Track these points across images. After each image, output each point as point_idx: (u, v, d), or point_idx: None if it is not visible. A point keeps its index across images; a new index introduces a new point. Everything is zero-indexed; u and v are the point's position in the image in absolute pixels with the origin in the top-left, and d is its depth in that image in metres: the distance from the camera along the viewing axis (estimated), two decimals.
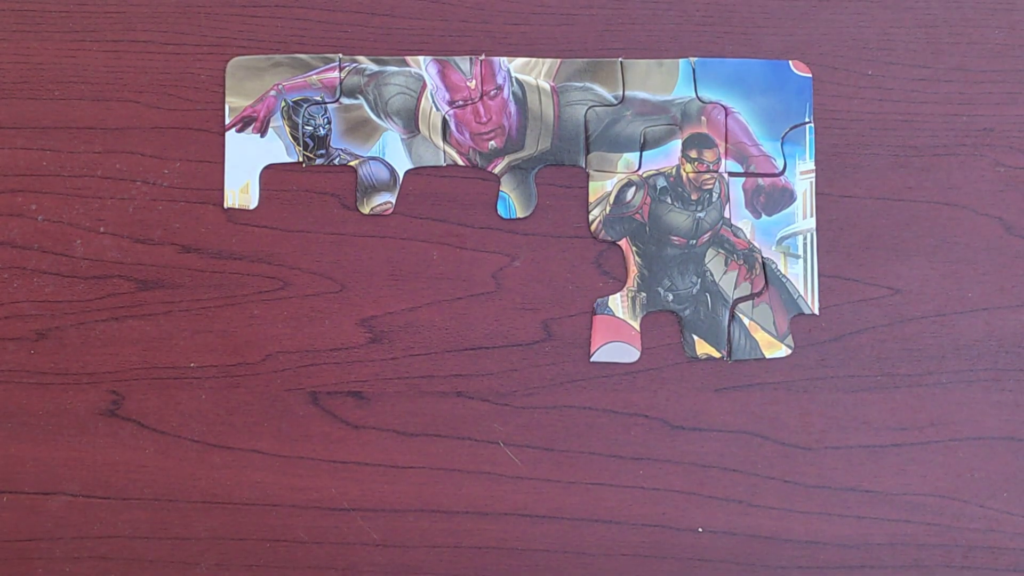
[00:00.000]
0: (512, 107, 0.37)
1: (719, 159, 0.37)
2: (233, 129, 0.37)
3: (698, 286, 0.37)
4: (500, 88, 0.37)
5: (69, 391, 0.37)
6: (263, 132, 0.37)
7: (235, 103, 0.37)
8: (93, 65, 0.38)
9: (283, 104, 0.37)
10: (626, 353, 0.37)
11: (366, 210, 0.37)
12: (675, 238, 0.37)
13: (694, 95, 0.37)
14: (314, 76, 0.37)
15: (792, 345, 0.37)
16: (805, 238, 0.37)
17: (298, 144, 0.37)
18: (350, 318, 0.37)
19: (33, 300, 0.37)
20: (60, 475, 0.37)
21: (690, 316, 0.37)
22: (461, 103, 0.37)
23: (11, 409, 0.37)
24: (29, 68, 0.37)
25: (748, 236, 0.37)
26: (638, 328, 0.37)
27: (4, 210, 0.37)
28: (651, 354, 0.37)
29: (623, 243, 0.37)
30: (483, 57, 0.37)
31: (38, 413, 0.37)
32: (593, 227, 0.37)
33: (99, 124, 0.37)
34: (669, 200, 0.37)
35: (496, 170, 0.37)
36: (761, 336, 0.37)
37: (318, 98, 0.37)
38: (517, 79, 0.37)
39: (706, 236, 0.37)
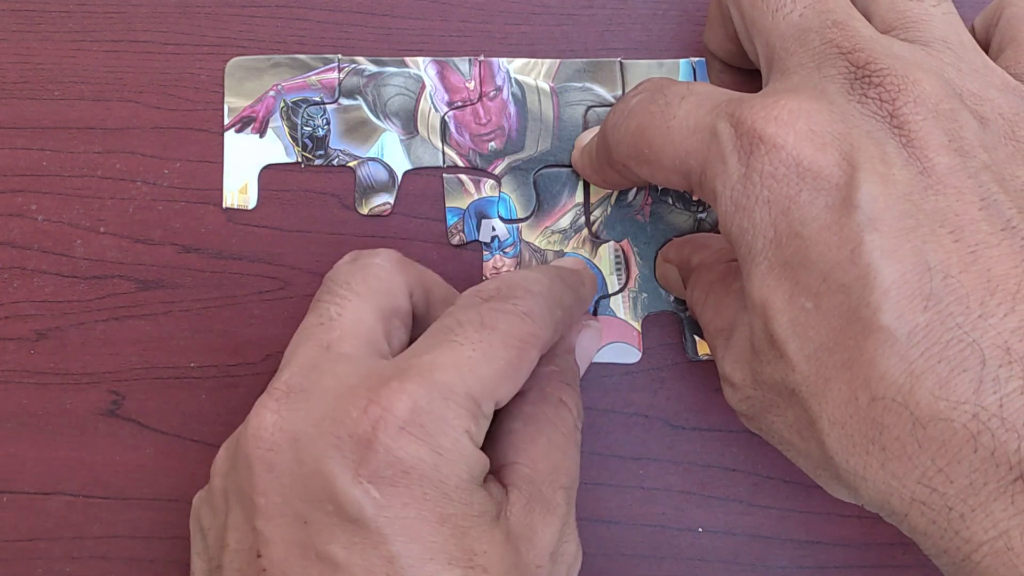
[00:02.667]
0: (512, 108, 0.37)
1: None
2: (232, 129, 0.37)
3: None
4: (499, 89, 0.37)
5: (69, 391, 0.37)
6: (262, 132, 0.37)
7: (234, 103, 0.37)
8: (93, 65, 0.38)
9: (282, 104, 0.37)
10: (628, 354, 0.37)
11: (365, 211, 0.37)
12: (678, 238, 0.37)
13: None
14: (313, 77, 0.37)
15: None
16: None
17: (297, 144, 0.37)
18: None
19: (33, 300, 0.37)
20: (60, 475, 0.37)
21: (691, 317, 0.37)
22: (460, 104, 0.37)
23: (11, 409, 0.37)
24: (29, 68, 0.38)
25: None
26: (639, 329, 0.37)
27: (4, 210, 0.37)
28: (651, 354, 0.37)
29: (624, 243, 0.37)
30: (482, 58, 0.37)
31: (38, 413, 0.37)
32: (594, 227, 0.37)
33: (99, 124, 0.37)
34: (670, 200, 0.37)
35: (496, 171, 0.37)
36: None
37: (317, 99, 0.37)
38: (516, 80, 0.37)
39: None
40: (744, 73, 0.33)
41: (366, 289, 0.29)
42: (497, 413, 0.30)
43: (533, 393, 0.31)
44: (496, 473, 0.29)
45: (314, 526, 0.25)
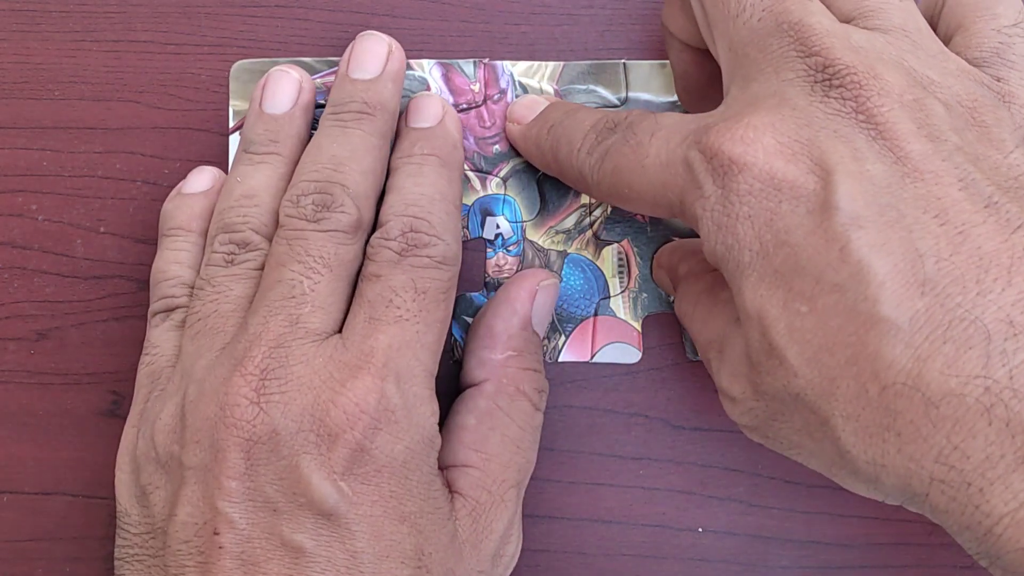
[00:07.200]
0: None
1: None
2: (237, 132, 0.37)
3: None
4: (503, 92, 0.37)
5: (69, 391, 0.37)
6: None
7: (239, 106, 0.37)
8: (93, 65, 0.37)
9: None
10: (628, 354, 0.37)
11: None
12: (676, 239, 0.37)
13: None
14: (317, 80, 0.37)
15: None
16: None
17: None
18: None
19: (33, 300, 0.37)
20: (60, 475, 0.37)
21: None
22: (465, 106, 0.37)
23: (11, 409, 0.37)
24: (29, 68, 0.37)
25: None
26: (639, 329, 0.37)
27: (4, 210, 0.37)
28: (652, 354, 0.37)
29: (624, 244, 0.37)
30: (486, 61, 0.37)
31: (38, 413, 0.37)
32: (595, 228, 0.37)
33: (99, 124, 0.37)
34: None
35: (501, 175, 0.37)
36: None
37: (322, 101, 0.37)
38: (520, 83, 0.37)
39: None
40: (704, 53, 0.33)
41: (338, 263, 0.30)
42: (452, 406, 0.33)
43: (489, 384, 0.32)
44: (448, 473, 0.31)
45: (284, 514, 0.27)
